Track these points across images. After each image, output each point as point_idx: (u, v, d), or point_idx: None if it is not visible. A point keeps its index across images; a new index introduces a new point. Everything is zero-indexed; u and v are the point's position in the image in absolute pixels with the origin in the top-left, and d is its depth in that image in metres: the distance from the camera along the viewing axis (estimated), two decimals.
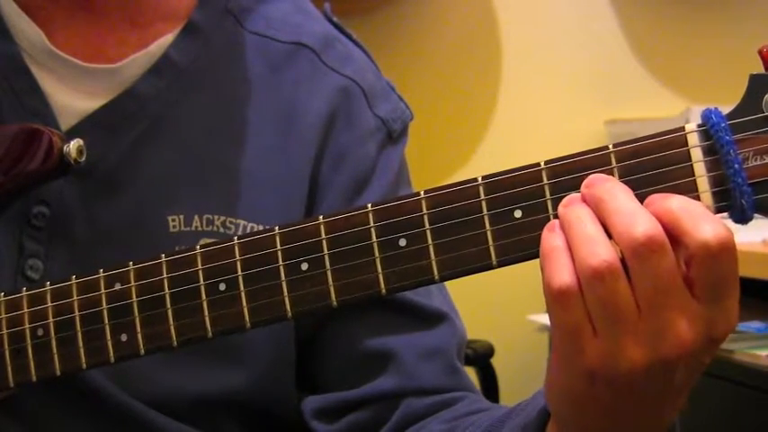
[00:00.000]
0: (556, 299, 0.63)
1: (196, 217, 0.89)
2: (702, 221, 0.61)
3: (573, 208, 0.64)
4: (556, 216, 0.66)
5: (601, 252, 0.61)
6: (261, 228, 0.89)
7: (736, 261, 0.61)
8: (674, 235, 0.61)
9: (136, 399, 0.88)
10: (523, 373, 2.18)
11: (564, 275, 0.62)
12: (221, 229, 0.89)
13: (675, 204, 0.62)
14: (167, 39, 0.93)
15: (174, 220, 0.89)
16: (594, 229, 0.62)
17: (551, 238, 0.64)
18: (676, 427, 0.70)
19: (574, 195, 0.64)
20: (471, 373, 1.48)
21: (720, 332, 0.62)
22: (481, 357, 1.95)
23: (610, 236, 0.62)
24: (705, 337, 0.62)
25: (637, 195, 0.65)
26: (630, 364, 0.62)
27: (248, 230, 0.90)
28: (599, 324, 0.62)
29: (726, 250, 0.60)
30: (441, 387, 0.91)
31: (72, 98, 0.91)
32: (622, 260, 0.62)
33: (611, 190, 0.63)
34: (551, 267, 0.63)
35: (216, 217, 0.90)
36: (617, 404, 0.64)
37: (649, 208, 0.62)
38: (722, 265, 0.61)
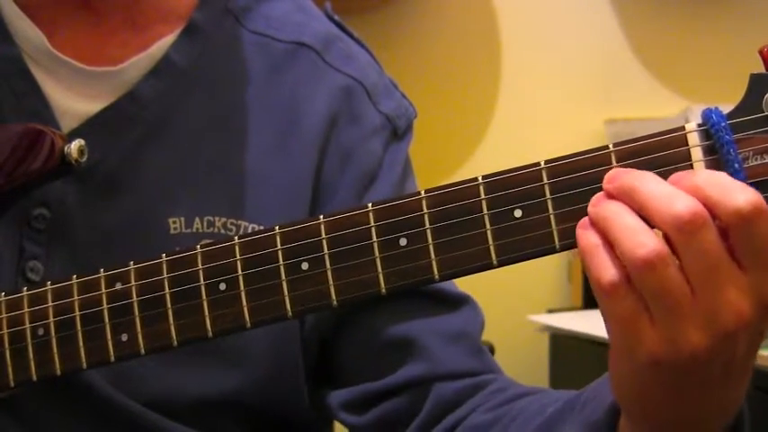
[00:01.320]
0: (608, 294, 0.63)
1: (197, 219, 0.89)
2: (732, 191, 0.60)
3: (604, 204, 0.63)
4: (556, 215, 0.66)
5: (647, 241, 0.61)
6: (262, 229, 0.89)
7: None
8: (707, 208, 0.61)
9: (135, 400, 0.88)
10: (523, 373, 2.17)
11: (611, 270, 0.62)
12: (222, 231, 0.89)
13: (701, 179, 0.61)
14: (168, 40, 0.93)
15: (174, 222, 0.89)
16: (633, 219, 0.62)
17: (587, 235, 0.63)
18: (744, 410, 0.70)
19: (601, 194, 0.64)
20: None
21: None
22: None
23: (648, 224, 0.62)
24: (759, 304, 0.61)
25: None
26: (692, 346, 0.61)
27: (249, 232, 0.89)
28: (656, 312, 0.62)
29: (761, 214, 0.60)
30: (469, 370, 0.91)
31: (73, 100, 0.91)
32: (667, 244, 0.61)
33: (640, 177, 0.63)
34: (596, 264, 0.63)
35: (217, 218, 0.90)
36: (684, 387, 0.64)
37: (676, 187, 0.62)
38: (760, 228, 0.60)
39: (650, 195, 0.62)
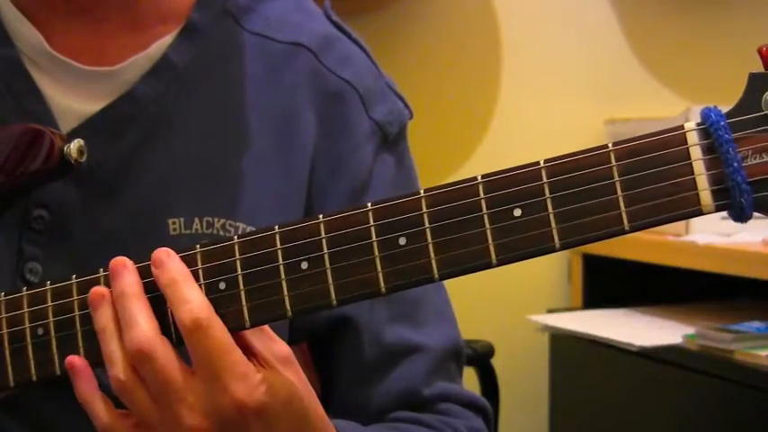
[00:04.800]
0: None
1: (196, 220, 0.89)
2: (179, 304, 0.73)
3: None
4: (555, 214, 0.66)
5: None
6: None
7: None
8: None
9: None
10: (523, 373, 2.18)
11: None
12: (221, 232, 0.89)
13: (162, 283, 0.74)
14: (166, 40, 0.93)
15: (174, 223, 0.89)
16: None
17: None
18: None
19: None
20: (471, 373, 1.48)
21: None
22: (481, 357, 1.94)
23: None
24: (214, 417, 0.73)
25: (637, 194, 0.65)
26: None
27: (249, 231, 0.89)
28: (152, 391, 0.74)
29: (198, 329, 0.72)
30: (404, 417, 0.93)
31: (71, 101, 0.91)
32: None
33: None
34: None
35: (216, 219, 0.90)
36: None
37: None
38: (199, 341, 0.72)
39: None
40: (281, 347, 0.76)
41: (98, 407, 0.75)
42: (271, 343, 0.76)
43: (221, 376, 0.71)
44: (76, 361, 0.76)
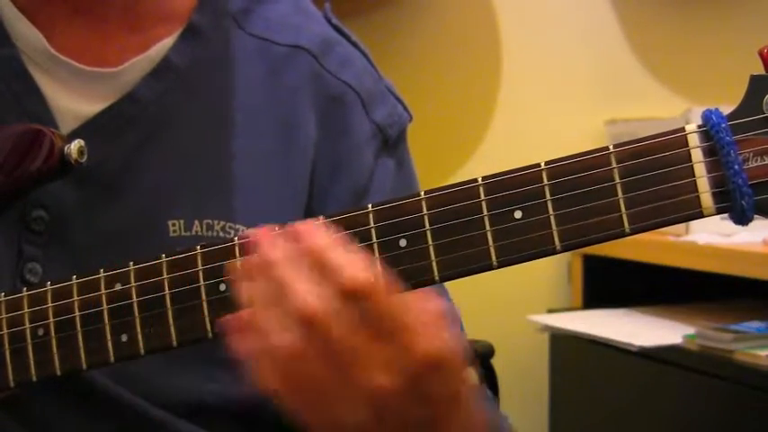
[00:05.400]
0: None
1: (196, 222, 0.89)
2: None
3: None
4: (556, 216, 0.66)
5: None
6: None
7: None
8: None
9: (136, 396, 0.87)
10: (523, 373, 2.17)
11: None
12: (221, 234, 0.89)
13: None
14: (167, 42, 0.93)
15: (174, 225, 0.89)
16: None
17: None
18: None
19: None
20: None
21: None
22: (481, 357, 1.94)
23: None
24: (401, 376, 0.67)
25: (638, 196, 0.65)
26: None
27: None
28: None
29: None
30: None
31: (72, 102, 0.91)
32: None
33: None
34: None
35: (216, 222, 0.89)
36: None
37: None
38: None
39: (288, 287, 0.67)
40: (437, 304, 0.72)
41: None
42: (426, 302, 0.71)
43: (399, 333, 0.67)
44: (230, 319, 0.71)
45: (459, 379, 0.70)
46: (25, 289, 0.81)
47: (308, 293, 0.67)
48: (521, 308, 2.14)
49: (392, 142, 0.97)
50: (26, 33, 0.92)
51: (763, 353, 1.57)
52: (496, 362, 1.60)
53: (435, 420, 0.70)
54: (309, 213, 0.92)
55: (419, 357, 0.67)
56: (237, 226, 0.89)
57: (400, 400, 0.67)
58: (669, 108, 2.20)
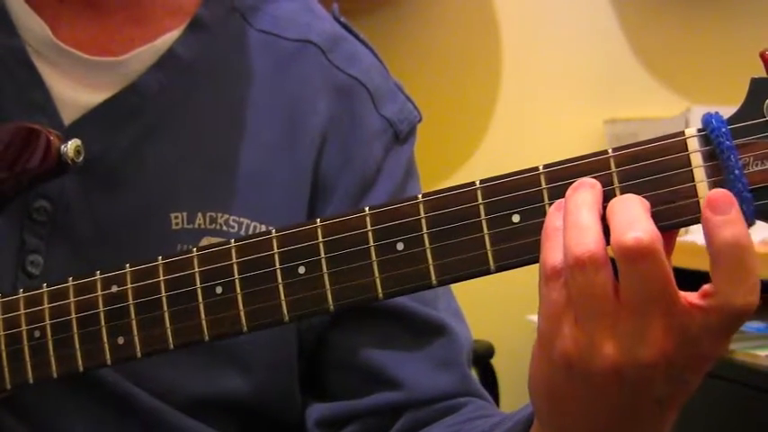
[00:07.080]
0: (547, 278, 0.63)
1: (199, 215, 0.89)
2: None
3: (577, 193, 0.64)
4: None
5: (587, 242, 0.61)
6: (264, 227, 0.89)
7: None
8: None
9: (139, 388, 0.87)
10: (523, 373, 2.16)
11: (557, 255, 0.63)
12: (224, 228, 0.89)
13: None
14: (173, 34, 0.93)
15: (176, 218, 0.89)
16: (589, 218, 0.62)
17: (554, 217, 0.64)
18: None
19: (585, 180, 0.64)
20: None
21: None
22: (481, 357, 1.95)
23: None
24: (682, 344, 0.62)
25: None
26: (604, 360, 0.62)
27: (251, 229, 0.89)
28: (579, 312, 0.62)
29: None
30: (445, 395, 0.90)
31: (75, 92, 0.90)
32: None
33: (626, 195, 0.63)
34: (547, 246, 0.64)
35: (219, 215, 0.89)
36: (593, 407, 0.65)
37: None
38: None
39: (618, 211, 0.62)
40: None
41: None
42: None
43: (655, 309, 0.61)
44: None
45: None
46: (21, 290, 0.81)
47: (643, 225, 0.61)
48: (521, 308, 2.13)
49: (403, 137, 0.97)
50: (31, 25, 0.91)
51: (762, 353, 1.57)
52: (496, 361, 1.61)
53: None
54: (313, 204, 0.92)
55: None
56: (241, 219, 0.89)
57: (670, 375, 0.63)
58: (669, 108, 2.19)
